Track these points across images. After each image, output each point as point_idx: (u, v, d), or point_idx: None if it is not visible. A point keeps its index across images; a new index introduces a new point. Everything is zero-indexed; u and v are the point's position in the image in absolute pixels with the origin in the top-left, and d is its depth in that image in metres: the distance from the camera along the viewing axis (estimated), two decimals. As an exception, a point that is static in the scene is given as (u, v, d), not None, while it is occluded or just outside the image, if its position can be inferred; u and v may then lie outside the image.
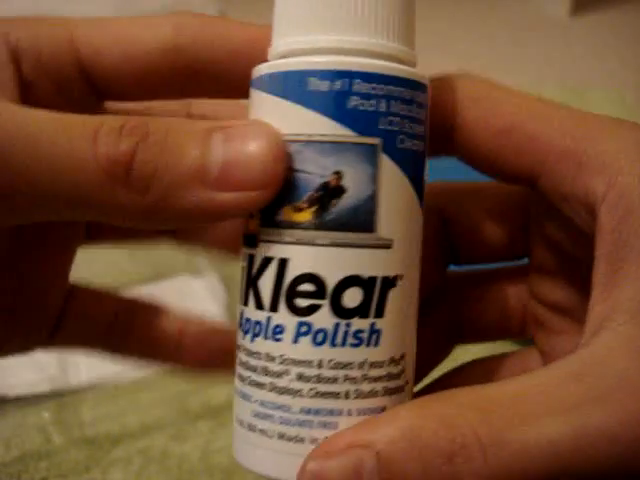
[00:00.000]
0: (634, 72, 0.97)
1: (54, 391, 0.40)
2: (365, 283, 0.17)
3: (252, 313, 0.18)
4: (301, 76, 0.17)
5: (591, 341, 0.16)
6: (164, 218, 0.17)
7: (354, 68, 0.17)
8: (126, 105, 0.23)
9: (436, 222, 0.22)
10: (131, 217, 0.17)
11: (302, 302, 0.17)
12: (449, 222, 0.22)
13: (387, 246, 0.17)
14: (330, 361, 0.17)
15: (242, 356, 0.18)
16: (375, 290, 0.17)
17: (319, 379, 0.17)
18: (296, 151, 0.17)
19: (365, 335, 0.17)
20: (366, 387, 0.17)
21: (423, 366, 0.20)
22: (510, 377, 0.17)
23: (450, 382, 0.23)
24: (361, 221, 0.17)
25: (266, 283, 0.17)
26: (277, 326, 0.17)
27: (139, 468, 0.36)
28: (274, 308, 0.17)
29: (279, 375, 0.17)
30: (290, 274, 0.17)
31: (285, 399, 0.17)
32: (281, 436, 0.17)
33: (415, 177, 0.18)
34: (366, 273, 0.17)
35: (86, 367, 0.41)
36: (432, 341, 0.22)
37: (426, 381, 0.23)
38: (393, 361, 0.18)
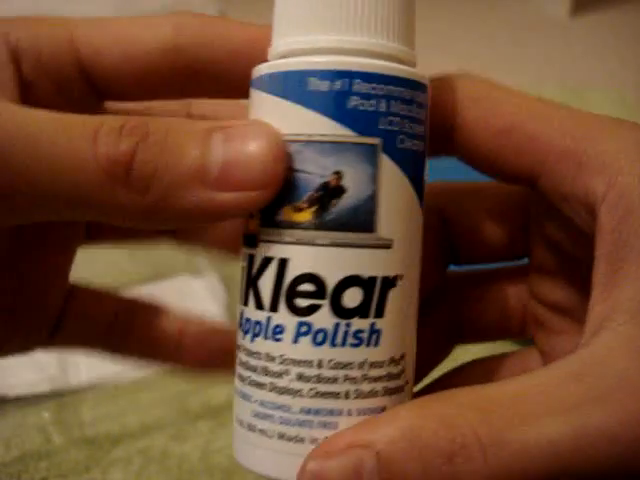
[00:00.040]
0: (634, 72, 0.97)
1: (54, 391, 0.40)
2: (365, 283, 0.17)
3: (252, 313, 0.18)
4: (301, 76, 0.17)
5: (591, 341, 0.16)
6: (164, 218, 0.17)
7: (354, 68, 0.17)
8: (126, 105, 0.23)
9: (436, 222, 0.22)
10: (131, 217, 0.17)
11: (302, 302, 0.17)
12: (449, 222, 0.22)
13: (387, 246, 0.17)
14: (330, 361, 0.17)
15: (242, 356, 0.18)
16: (375, 290, 0.17)
17: (319, 379, 0.17)
18: (296, 151, 0.17)
19: (365, 335, 0.17)
20: (366, 387, 0.17)
21: (423, 366, 0.20)
22: (510, 377, 0.17)
23: (450, 382, 0.23)
24: (361, 221, 0.17)
25: (266, 283, 0.17)
26: (277, 326, 0.17)
27: (139, 468, 0.36)
28: (274, 308, 0.17)
29: (279, 375, 0.17)
30: (290, 274, 0.17)
31: (285, 399, 0.17)
32: (281, 436, 0.17)
33: (415, 177, 0.18)
34: (366, 273, 0.17)
35: (86, 367, 0.41)
36: (432, 341, 0.22)
37: (426, 381, 0.23)
38: (393, 361, 0.18)
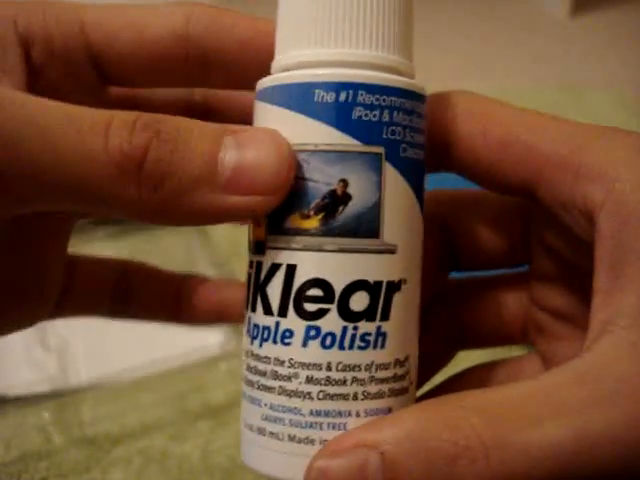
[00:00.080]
0: (634, 72, 0.97)
1: (54, 391, 0.40)
2: (371, 287, 0.17)
3: (260, 319, 0.18)
4: (307, 88, 0.17)
5: (593, 345, 0.16)
6: (171, 217, 0.17)
7: (358, 80, 0.17)
8: (129, 90, 0.23)
9: (437, 229, 0.22)
10: (138, 213, 0.17)
11: (310, 307, 0.17)
12: (450, 229, 0.22)
13: (391, 251, 0.18)
14: (338, 364, 0.17)
15: (250, 361, 0.18)
16: (381, 294, 0.17)
17: (328, 381, 0.17)
18: (303, 160, 0.17)
19: (372, 338, 0.17)
20: (373, 388, 0.17)
21: (425, 371, 0.21)
22: (513, 382, 0.17)
23: (452, 387, 0.23)
24: (367, 227, 0.17)
25: (274, 289, 0.18)
26: (286, 330, 0.17)
27: (139, 468, 0.36)
28: (283, 313, 0.18)
29: (288, 378, 0.17)
30: (298, 280, 0.17)
31: (295, 402, 0.17)
32: (291, 438, 0.17)
33: (416, 184, 0.18)
34: (372, 278, 0.17)
35: (86, 367, 0.41)
36: (434, 347, 0.22)
37: (427, 387, 0.23)
38: (398, 362, 0.18)
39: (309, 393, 0.17)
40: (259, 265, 0.18)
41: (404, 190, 0.18)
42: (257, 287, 0.18)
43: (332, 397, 0.17)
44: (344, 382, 0.17)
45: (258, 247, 0.18)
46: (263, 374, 0.18)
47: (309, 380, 0.17)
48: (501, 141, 0.19)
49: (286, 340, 0.17)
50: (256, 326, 0.18)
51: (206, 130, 0.17)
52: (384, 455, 0.15)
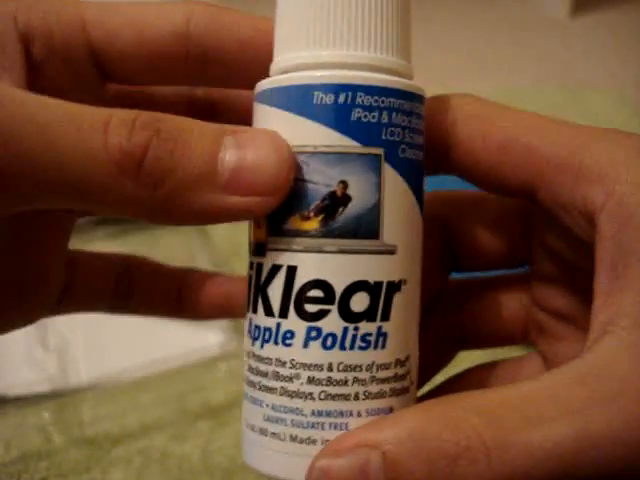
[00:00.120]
0: (634, 72, 0.97)
1: (54, 391, 0.40)
2: (371, 288, 0.17)
3: (261, 320, 0.18)
4: (306, 90, 0.17)
5: (595, 346, 0.16)
6: (170, 216, 0.17)
7: (357, 82, 0.17)
8: (130, 88, 0.23)
9: (437, 230, 0.22)
10: (137, 212, 0.17)
11: (311, 308, 0.17)
12: (450, 230, 0.22)
13: (391, 252, 0.18)
14: (340, 364, 0.17)
15: (251, 362, 0.19)
16: (381, 294, 0.17)
17: (329, 382, 0.17)
18: (302, 162, 0.17)
19: (372, 338, 0.17)
20: (374, 388, 0.18)
21: (425, 372, 0.21)
22: (514, 382, 0.17)
23: (453, 387, 0.23)
24: (366, 228, 0.17)
25: (275, 290, 0.18)
26: (287, 331, 0.18)
27: (139, 468, 0.36)
28: (284, 314, 0.18)
29: (290, 379, 0.18)
30: (299, 281, 0.17)
31: (296, 402, 0.17)
32: (293, 438, 0.17)
33: (416, 185, 0.18)
34: (372, 278, 0.17)
35: (86, 367, 0.41)
36: (434, 347, 0.22)
37: (427, 387, 0.23)
38: (399, 362, 0.18)
39: (311, 393, 0.17)
40: (260, 267, 0.18)
41: (404, 191, 0.18)
42: (258, 288, 0.18)
43: (333, 397, 0.17)
44: (345, 382, 0.17)
45: (259, 249, 0.18)
46: (265, 375, 0.18)
47: (310, 381, 0.17)
48: (501, 143, 0.19)
49: (287, 341, 0.18)
50: (257, 327, 0.18)
51: (206, 130, 0.17)
52: (385, 455, 0.15)
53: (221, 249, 0.48)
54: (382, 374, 0.18)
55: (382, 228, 0.17)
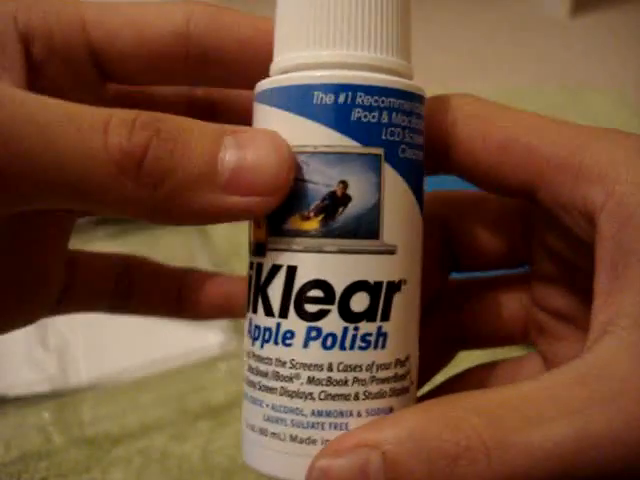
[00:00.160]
0: (634, 72, 0.97)
1: (54, 391, 0.40)
2: (371, 288, 0.17)
3: (261, 320, 0.18)
4: (306, 90, 0.17)
5: (595, 346, 0.16)
6: (170, 216, 0.17)
7: (357, 82, 0.17)
8: (130, 88, 0.23)
9: (437, 230, 0.22)
10: (137, 212, 0.17)
11: (311, 308, 0.17)
12: (450, 230, 0.22)
13: (391, 252, 0.18)
14: (340, 364, 0.17)
15: (251, 362, 0.19)
16: (381, 294, 0.17)
17: (329, 382, 0.17)
18: (302, 162, 0.17)
19: (372, 338, 0.17)
20: (374, 388, 0.18)
21: (425, 372, 0.21)
22: (513, 382, 0.17)
23: (453, 387, 0.23)
24: (366, 228, 0.17)
25: (275, 290, 0.18)
26: (287, 332, 0.18)
27: (139, 468, 0.36)
28: (284, 314, 0.18)
29: (290, 379, 0.18)
30: (299, 281, 0.17)
31: (297, 402, 0.17)
32: (293, 438, 0.17)
33: (416, 185, 0.18)
34: (372, 278, 0.17)
35: (86, 367, 0.41)
36: (434, 347, 0.22)
37: (429, 386, 0.23)
38: (399, 362, 0.18)
39: (311, 393, 0.17)
40: (260, 267, 0.18)
41: (403, 191, 0.18)
42: (258, 288, 0.18)
43: (333, 397, 0.17)
44: (345, 382, 0.17)
45: (258, 249, 0.18)
46: (265, 375, 0.18)
47: (310, 380, 0.17)
48: (501, 143, 0.19)
49: (287, 341, 0.18)
50: (257, 327, 0.18)
51: (206, 130, 0.17)
52: (385, 455, 0.15)
53: (221, 249, 0.48)
54: (382, 374, 0.18)
55: (382, 228, 0.17)
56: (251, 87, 0.19)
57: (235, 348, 0.40)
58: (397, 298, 0.18)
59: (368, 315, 0.17)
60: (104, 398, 0.39)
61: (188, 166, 0.17)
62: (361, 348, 0.17)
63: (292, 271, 0.17)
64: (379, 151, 0.17)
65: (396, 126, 0.18)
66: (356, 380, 0.17)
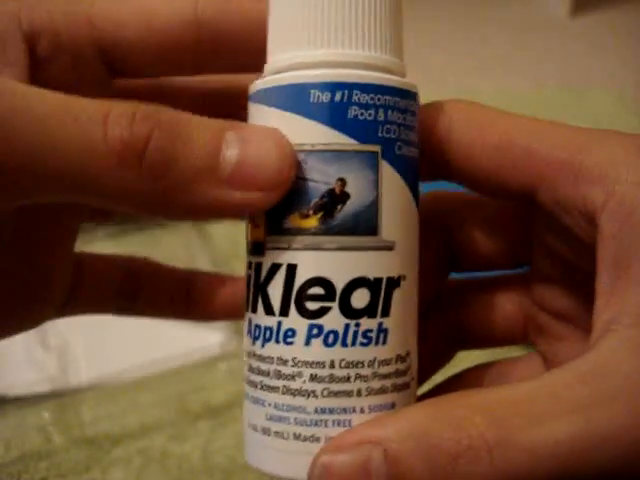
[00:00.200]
0: (634, 72, 0.97)
1: (54, 391, 0.40)
2: (372, 284, 0.17)
3: (262, 319, 0.18)
4: (302, 89, 0.17)
5: (597, 344, 0.16)
6: (170, 209, 0.17)
7: (353, 80, 0.17)
8: (136, 82, 0.23)
9: (437, 230, 0.22)
10: (136, 205, 0.17)
11: (312, 305, 0.17)
12: (450, 230, 0.22)
13: (390, 248, 0.18)
14: (342, 361, 0.17)
15: (252, 362, 0.19)
16: (381, 291, 0.18)
17: (332, 379, 0.17)
18: (300, 160, 0.17)
19: (374, 334, 0.18)
20: (376, 384, 0.18)
21: (424, 371, 0.21)
22: (514, 382, 0.17)
23: (452, 387, 0.23)
24: (365, 225, 0.17)
25: (275, 289, 0.18)
26: (288, 330, 0.18)
27: (139, 468, 0.36)
28: (284, 313, 0.18)
29: (292, 377, 0.18)
30: (299, 279, 0.17)
31: (299, 400, 0.17)
32: (297, 437, 0.17)
33: (412, 181, 0.18)
34: (372, 274, 0.17)
35: (86, 367, 0.41)
36: (433, 347, 0.22)
37: (428, 386, 0.23)
38: (400, 358, 0.18)
39: (313, 391, 0.17)
40: (259, 266, 0.18)
41: (400, 187, 0.18)
42: (257, 288, 0.18)
43: (336, 394, 0.17)
44: (348, 379, 0.17)
45: (257, 248, 0.18)
46: (266, 374, 0.18)
47: (313, 378, 0.17)
48: (499, 147, 0.19)
49: (289, 339, 0.18)
50: (257, 327, 0.18)
51: (208, 123, 0.17)
52: (387, 452, 0.15)
53: (221, 249, 0.48)
54: (384, 370, 0.18)
55: (380, 225, 0.18)
56: (258, 71, 0.19)
57: (235, 348, 0.40)
58: (396, 294, 0.18)
59: (369, 311, 0.17)
60: (104, 398, 0.39)
61: (190, 158, 0.16)
62: (363, 344, 0.17)
63: (292, 269, 0.18)
64: (376, 148, 0.18)
65: (392, 123, 0.18)
66: (358, 376, 0.17)
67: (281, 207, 0.18)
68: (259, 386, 0.18)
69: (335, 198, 0.17)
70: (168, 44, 0.21)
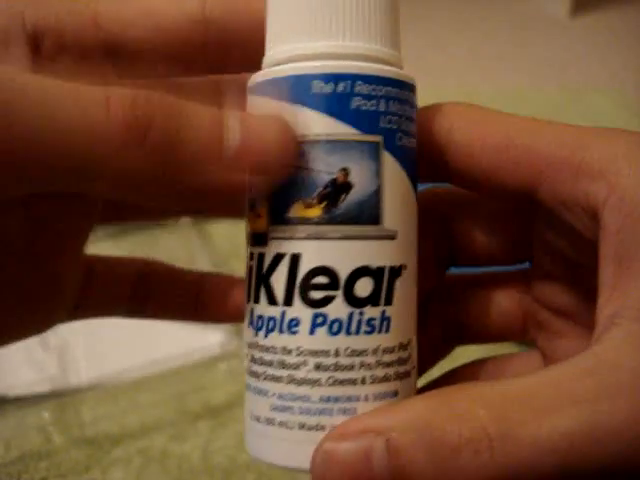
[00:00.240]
0: (635, 72, 0.97)
1: (54, 391, 0.40)
2: (375, 273, 0.18)
3: (265, 309, 0.18)
4: (305, 79, 0.18)
5: (601, 339, 0.16)
6: (172, 192, 0.17)
7: (355, 71, 0.18)
8: (142, 83, 0.22)
9: (437, 224, 0.22)
10: (138, 188, 0.17)
11: (317, 294, 0.17)
12: (450, 224, 0.22)
13: (392, 237, 0.18)
14: (346, 349, 0.17)
15: (255, 352, 0.19)
16: (384, 279, 0.18)
17: (336, 367, 0.17)
18: (303, 150, 0.18)
19: (377, 322, 0.18)
20: (380, 372, 0.18)
21: (422, 365, 0.20)
22: (515, 377, 0.17)
23: (450, 381, 0.23)
24: (368, 214, 0.18)
25: (279, 279, 0.18)
26: (292, 319, 0.18)
27: (139, 468, 0.36)
28: (288, 302, 0.18)
29: (297, 367, 0.18)
30: (303, 268, 0.18)
31: (304, 389, 0.18)
32: (302, 426, 0.18)
33: (411, 172, 0.19)
34: (375, 263, 0.18)
35: (86, 367, 0.41)
36: (431, 341, 0.22)
37: (426, 380, 0.23)
38: (402, 346, 0.18)
39: (318, 380, 0.17)
40: (261, 256, 0.18)
41: (401, 177, 0.18)
42: (260, 278, 0.18)
43: (341, 382, 0.17)
44: (352, 367, 0.17)
45: (259, 238, 0.18)
46: (270, 364, 0.18)
47: (318, 367, 0.17)
48: (499, 147, 0.19)
49: (293, 329, 0.18)
50: (260, 317, 0.18)
51: (210, 108, 0.17)
52: (389, 442, 0.15)
53: (221, 249, 0.48)
54: (387, 358, 0.18)
55: (383, 214, 0.18)
56: None
57: (235, 348, 0.40)
58: (398, 283, 0.18)
59: (372, 300, 0.18)
60: (104, 398, 0.39)
61: (194, 140, 0.16)
62: (367, 332, 0.18)
63: (296, 259, 0.18)
64: (378, 139, 0.18)
65: (393, 114, 0.18)
66: (363, 364, 0.18)
67: (284, 197, 0.18)
68: (262, 376, 0.18)
69: (338, 188, 0.17)
70: (176, 44, 0.20)
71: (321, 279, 0.17)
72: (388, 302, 0.18)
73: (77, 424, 0.38)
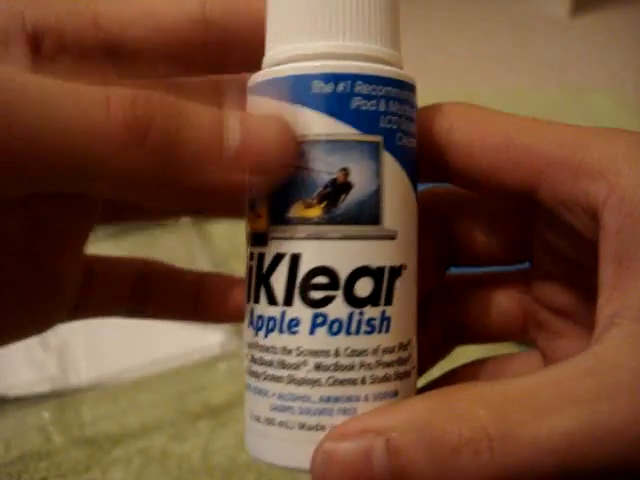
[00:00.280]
0: (634, 72, 0.97)
1: (54, 391, 0.40)
2: (375, 273, 0.18)
3: (264, 309, 0.18)
4: (305, 79, 0.18)
5: (601, 339, 0.16)
6: (172, 192, 0.17)
7: (355, 71, 0.18)
8: (142, 83, 0.22)
9: (437, 224, 0.22)
10: (141, 188, 0.17)
11: (317, 294, 0.18)
12: (450, 224, 0.22)
13: (392, 237, 0.18)
14: (346, 349, 0.17)
15: (255, 352, 0.19)
16: (384, 279, 0.18)
17: (336, 367, 0.17)
18: (303, 150, 0.18)
19: (377, 322, 0.18)
20: (380, 372, 0.18)
21: (422, 363, 0.20)
22: (515, 377, 0.17)
23: (449, 382, 0.23)
24: (368, 214, 0.18)
25: (279, 279, 0.18)
26: (292, 319, 0.18)
27: (139, 468, 0.36)
28: (288, 302, 0.18)
29: (297, 367, 0.18)
30: (303, 268, 0.18)
31: (304, 389, 0.18)
32: (302, 426, 0.18)
33: (411, 172, 0.19)
34: (375, 263, 0.18)
35: (86, 367, 0.41)
36: (431, 341, 0.22)
37: (426, 380, 0.23)
38: (402, 346, 0.18)
39: (318, 380, 0.17)
40: (261, 256, 0.18)
41: (401, 177, 0.18)
42: (260, 278, 0.18)
43: (341, 382, 0.17)
44: (352, 367, 0.17)
45: (259, 238, 0.18)
46: (270, 364, 0.18)
47: (318, 367, 0.17)
48: (499, 147, 0.19)
49: (293, 329, 0.18)
50: (260, 317, 0.18)
51: (209, 108, 0.17)
52: (389, 442, 0.15)
53: (221, 249, 0.48)
54: (387, 358, 0.18)
55: (383, 214, 0.18)
56: None
57: (235, 348, 0.40)
58: (398, 283, 0.18)
59: (372, 300, 0.18)
60: (104, 398, 0.39)
61: (194, 140, 0.16)
62: (367, 332, 0.18)
63: (296, 259, 0.18)
64: (378, 139, 0.18)
65: (393, 114, 0.18)
66: (363, 364, 0.18)
67: (284, 197, 0.18)
68: (262, 377, 0.18)
69: (338, 188, 0.17)
70: (176, 44, 0.20)
71: (321, 279, 0.17)
72: (388, 302, 0.18)
73: (77, 424, 0.38)
